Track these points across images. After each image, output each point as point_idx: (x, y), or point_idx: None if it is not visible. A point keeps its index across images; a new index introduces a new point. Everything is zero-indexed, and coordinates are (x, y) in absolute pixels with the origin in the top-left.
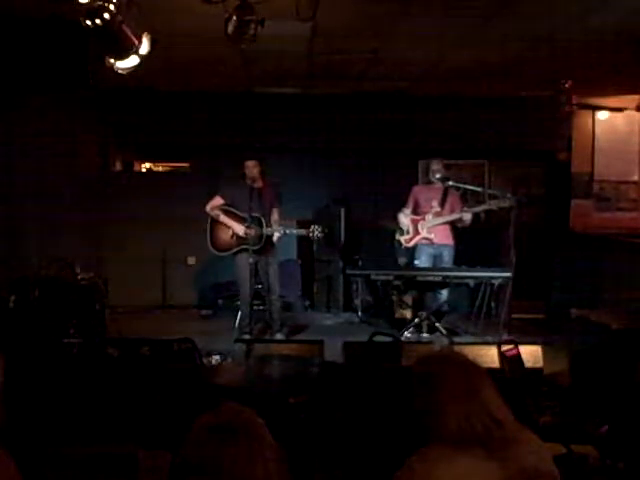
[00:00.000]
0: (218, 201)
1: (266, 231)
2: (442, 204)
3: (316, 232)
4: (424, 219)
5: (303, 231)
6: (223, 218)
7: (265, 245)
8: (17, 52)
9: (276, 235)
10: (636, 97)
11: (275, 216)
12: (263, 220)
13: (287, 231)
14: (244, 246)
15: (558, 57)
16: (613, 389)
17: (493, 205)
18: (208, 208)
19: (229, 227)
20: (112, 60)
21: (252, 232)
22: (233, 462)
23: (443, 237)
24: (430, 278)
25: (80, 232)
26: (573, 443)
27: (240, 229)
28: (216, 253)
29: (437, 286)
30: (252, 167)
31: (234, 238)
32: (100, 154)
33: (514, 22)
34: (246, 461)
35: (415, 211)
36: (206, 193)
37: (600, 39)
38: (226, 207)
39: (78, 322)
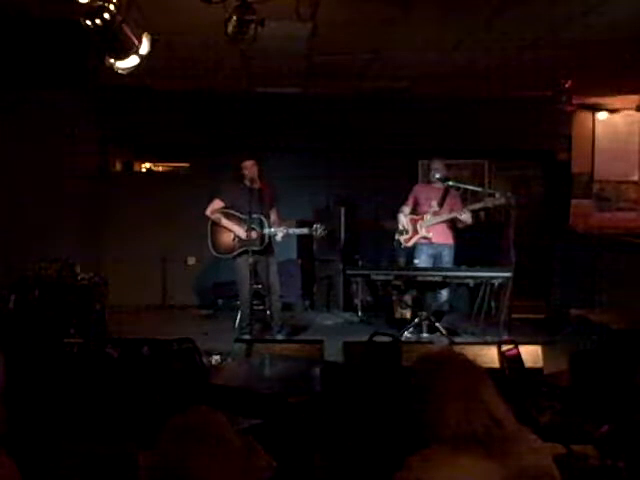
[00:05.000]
0: (218, 204)
1: (269, 232)
2: (441, 204)
3: (319, 230)
4: (422, 219)
5: (306, 230)
6: (225, 221)
7: (266, 246)
8: (17, 52)
9: (279, 235)
10: (636, 97)
11: (273, 216)
12: (264, 221)
13: (290, 231)
14: (246, 248)
15: (558, 57)
16: (613, 389)
17: (489, 203)
18: (208, 212)
19: (231, 230)
20: (112, 60)
21: (254, 234)
22: (197, 463)
23: (442, 237)
24: (430, 278)
25: (80, 232)
26: (573, 443)
27: (242, 232)
28: (219, 256)
29: (437, 286)
30: (250, 167)
31: (235, 240)
32: (100, 154)
33: (514, 22)
34: (209, 462)
35: (415, 210)
36: (206, 193)
37: (600, 39)
38: (226, 210)
39: (78, 322)
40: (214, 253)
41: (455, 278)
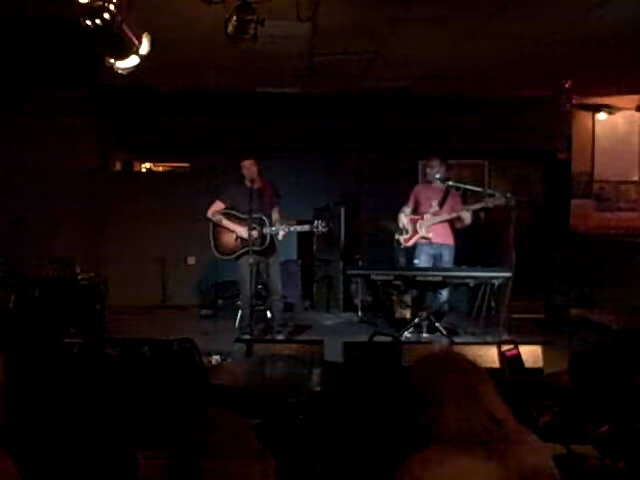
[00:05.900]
0: (219, 206)
1: (270, 230)
2: (441, 204)
3: (320, 227)
4: (422, 219)
5: (307, 227)
6: (226, 222)
7: (268, 245)
8: (17, 52)
9: (281, 233)
10: (636, 97)
11: (276, 215)
12: (265, 220)
13: (292, 228)
14: (249, 248)
15: (558, 57)
16: (613, 389)
17: (489, 203)
18: (209, 214)
19: (233, 231)
20: (112, 60)
21: (256, 234)
22: (210, 463)
23: (443, 237)
24: (430, 278)
25: (80, 232)
26: (573, 443)
27: (243, 232)
28: (221, 257)
29: (437, 286)
30: (250, 166)
31: (238, 241)
32: (100, 154)
33: (514, 22)
34: (223, 462)
35: (415, 211)
36: (206, 193)
37: (600, 39)
38: (227, 211)
39: (78, 322)
40: (217, 255)
41: (455, 278)
